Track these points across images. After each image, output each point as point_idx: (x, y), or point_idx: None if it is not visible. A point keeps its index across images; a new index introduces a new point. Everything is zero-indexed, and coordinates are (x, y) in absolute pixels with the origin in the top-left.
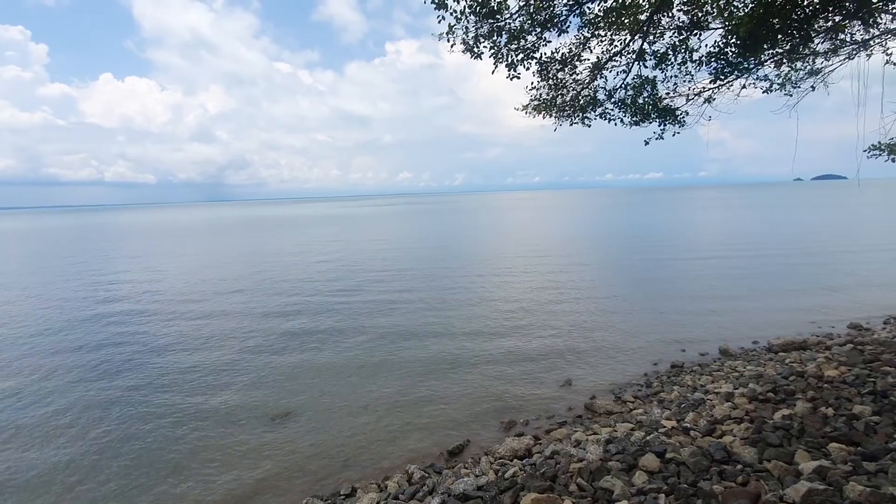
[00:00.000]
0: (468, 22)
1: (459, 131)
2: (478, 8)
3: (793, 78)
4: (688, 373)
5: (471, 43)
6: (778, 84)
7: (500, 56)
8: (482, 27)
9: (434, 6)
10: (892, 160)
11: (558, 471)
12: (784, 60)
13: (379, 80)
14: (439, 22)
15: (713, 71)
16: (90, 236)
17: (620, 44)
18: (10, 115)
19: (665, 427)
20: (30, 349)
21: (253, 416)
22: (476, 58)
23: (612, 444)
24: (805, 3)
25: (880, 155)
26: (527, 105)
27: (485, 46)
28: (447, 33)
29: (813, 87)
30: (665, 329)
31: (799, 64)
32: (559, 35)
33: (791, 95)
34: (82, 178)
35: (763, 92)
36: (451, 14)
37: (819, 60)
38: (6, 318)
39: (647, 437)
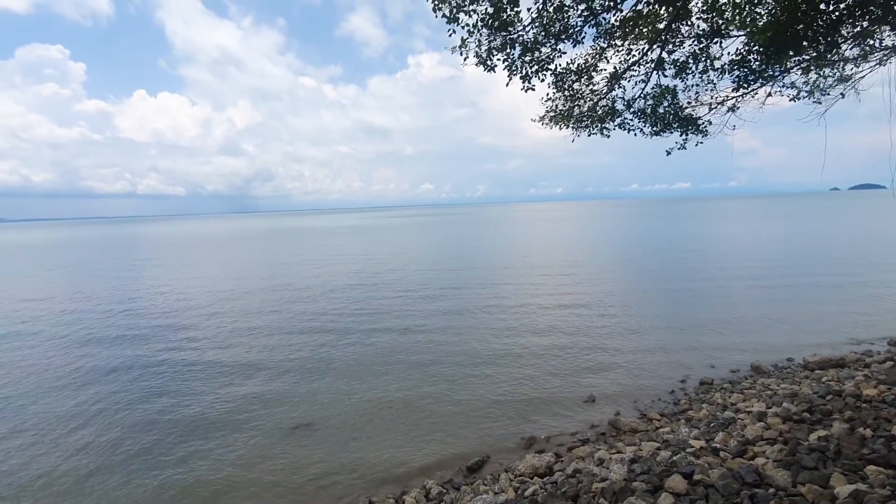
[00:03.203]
0: (481, 35)
1: (481, 142)
2: (490, 21)
3: (821, 85)
4: (717, 390)
5: (484, 56)
6: (806, 91)
7: (513, 68)
8: (495, 40)
9: (445, 21)
10: None
11: (580, 490)
12: (811, 67)
13: (400, 93)
14: (450, 36)
15: (736, 79)
16: (126, 246)
17: (638, 53)
18: (48, 131)
19: (693, 447)
20: (58, 349)
21: (273, 427)
22: (489, 70)
23: (637, 463)
24: (830, 8)
25: None
26: (543, 116)
27: (498, 59)
28: (460, 47)
29: (843, 95)
30: (693, 344)
31: (827, 70)
32: (574, 46)
33: (820, 103)
34: (116, 191)
35: (790, 100)
36: (464, 28)
37: (849, 67)
38: (46, 319)
39: (674, 458)
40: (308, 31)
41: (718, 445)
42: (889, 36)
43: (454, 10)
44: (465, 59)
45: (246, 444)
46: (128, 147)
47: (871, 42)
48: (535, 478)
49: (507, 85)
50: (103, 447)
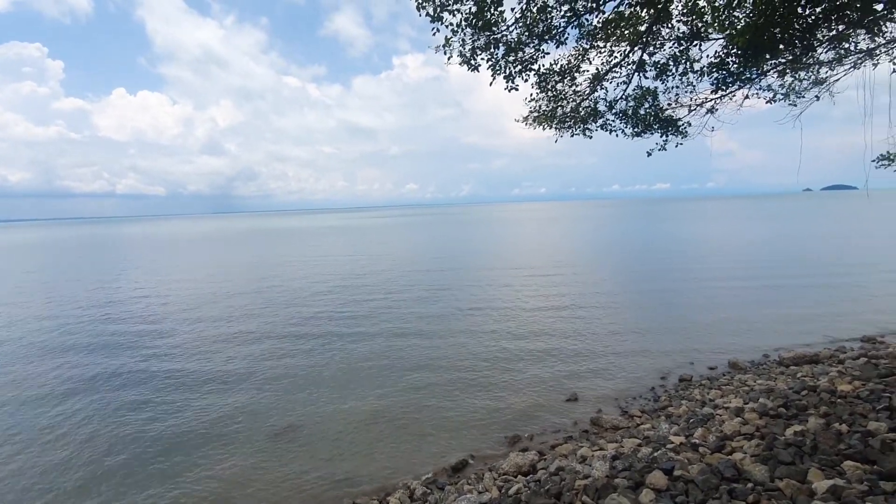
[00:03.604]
0: (464, 34)
1: (465, 142)
2: (474, 20)
3: (797, 88)
4: (696, 387)
5: (467, 55)
6: (781, 94)
7: (497, 68)
8: (479, 39)
9: (430, 19)
10: None
11: (563, 488)
12: (787, 70)
13: (385, 93)
14: (434, 34)
15: (715, 81)
16: (105, 247)
17: (620, 55)
18: (25, 130)
19: (673, 443)
20: (35, 357)
21: (257, 435)
22: (473, 70)
23: (619, 460)
24: (807, 12)
25: (889, 165)
26: (527, 117)
27: (482, 59)
28: (444, 46)
29: (817, 97)
30: (673, 342)
31: (803, 73)
32: (557, 47)
33: (795, 105)
34: (94, 191)
35: (766, 102)
36: (447, 27)
37: (823, 70)
38: (23, 324)
39: (655, 454)
40: (292, 30)
41: (697, 441)
42: (864, 40)
43: (438, 9)
44: (448, 59)
45: (229, 455)
46: (106, 146)
47: (846, 45)
48: (519, 476)
49: (491, 84)
50: (84, 462)
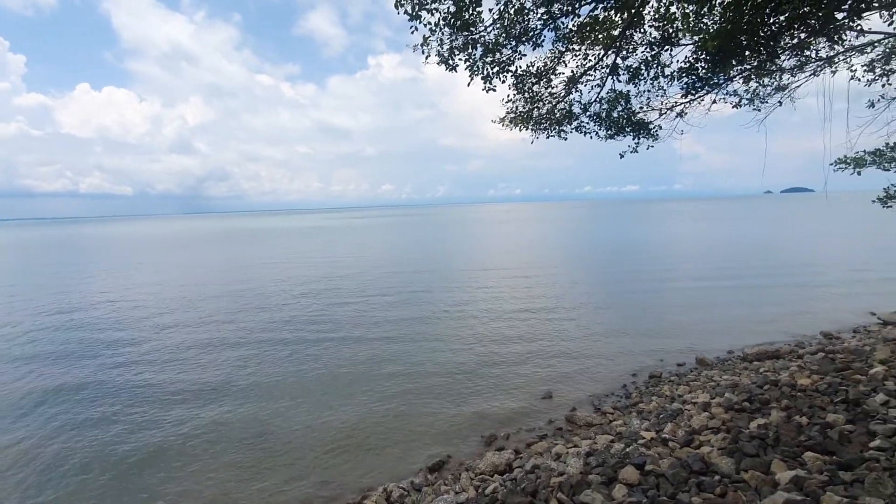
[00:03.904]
0: (443, 34)
1: (441, 143)
2: (452, 20)
3: (761, 93)
4: (665, 383)
5: (445, 55)
6: (747, 99)
7: (475, 69)
8: (457, 40)
9: (408, 17)
10: (858, 173)
11: (539, 485)
12: (752, 76)
13: (360, 94)
14: (412, 33)
15: (684, 86)
16: (69, 249)
17: (594, 58)
18: None
19: (644, 438)
20: (1, 366)
21: (231, 439)
22: (451, 70)
23: (593, 456)
24: (772, 20)
25: (846, 168)
26: (503, 118)
27: (460, 59)
28: (422, 45)
29: (780, 103)
30: (643, 340)
31: (766, 80)
32: (534, 49)
33: (759, 110)
34: (57, 190)
35: (733, 107)
36: (426, 26)
37: (786, 76)
38: None
39: (627, 449)
40: (265, 27)
41: (667, 436)
42: (824, 48)
43: (416, 8)
44: (426, 58)
45: (205, 466)
46: (70, 143)
47: (808, 53)
48: (496, 475)
49: (469, 85)
50: (50, 480)
